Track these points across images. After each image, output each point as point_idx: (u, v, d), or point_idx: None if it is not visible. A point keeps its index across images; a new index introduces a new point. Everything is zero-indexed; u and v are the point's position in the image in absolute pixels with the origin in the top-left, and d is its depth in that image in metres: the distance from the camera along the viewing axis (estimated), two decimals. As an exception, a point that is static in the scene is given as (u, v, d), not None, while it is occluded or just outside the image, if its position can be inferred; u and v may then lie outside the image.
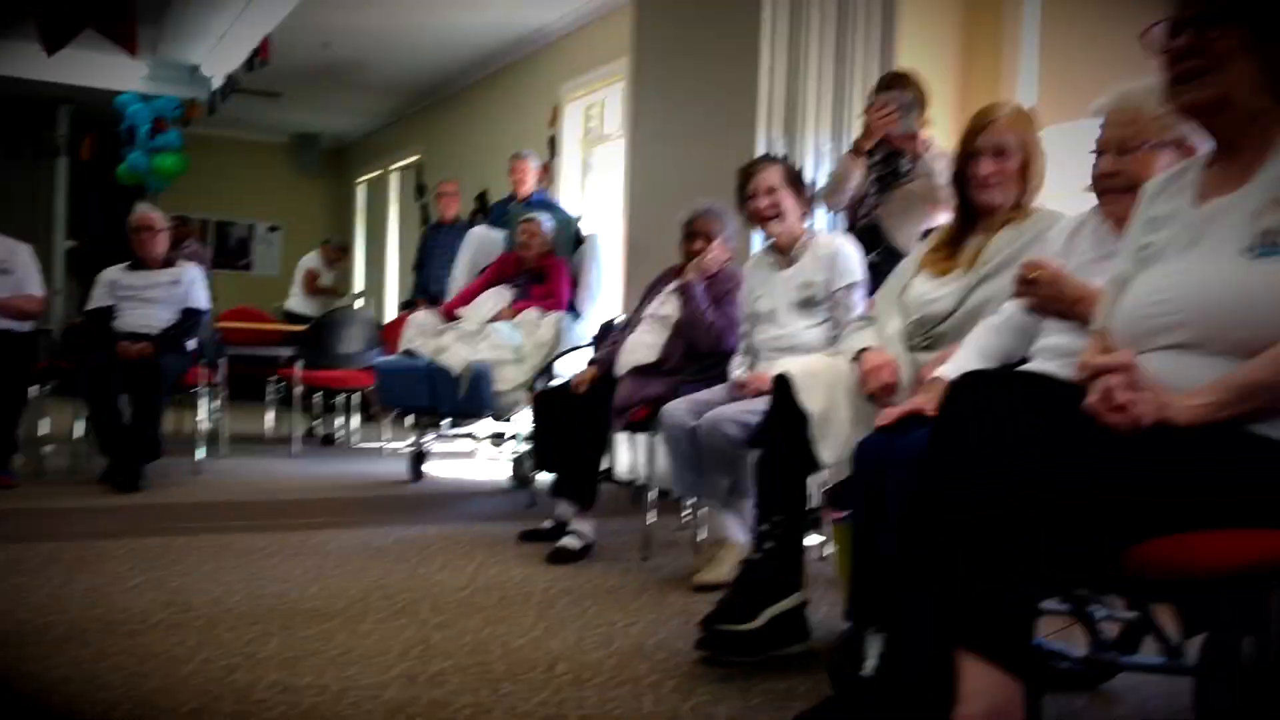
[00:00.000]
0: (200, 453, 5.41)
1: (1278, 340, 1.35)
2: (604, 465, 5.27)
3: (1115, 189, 1.92)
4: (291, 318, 8.75)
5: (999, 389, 1.41)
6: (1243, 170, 1.52)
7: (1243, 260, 1.43)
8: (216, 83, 9.42)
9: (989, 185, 2.49)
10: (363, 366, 6.33)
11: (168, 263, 5.30)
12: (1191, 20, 1.50)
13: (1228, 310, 1.42)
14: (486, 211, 7.94)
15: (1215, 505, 1.30)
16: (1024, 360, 2.05)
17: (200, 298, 5.31)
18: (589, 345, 4.84)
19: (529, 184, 6.44)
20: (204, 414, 5.47)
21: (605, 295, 5.50)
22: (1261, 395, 1.35)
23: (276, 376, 6.87)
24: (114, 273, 5.28)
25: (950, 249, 2.59)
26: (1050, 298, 1.94)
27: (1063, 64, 4.63)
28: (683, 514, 3.99)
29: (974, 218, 2.57)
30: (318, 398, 7.17)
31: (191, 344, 5.23)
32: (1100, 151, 1.99)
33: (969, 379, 1.47)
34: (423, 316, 5.18)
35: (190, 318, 5.19)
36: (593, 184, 7.78)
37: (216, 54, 9.29)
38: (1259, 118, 1.51)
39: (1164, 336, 1.48)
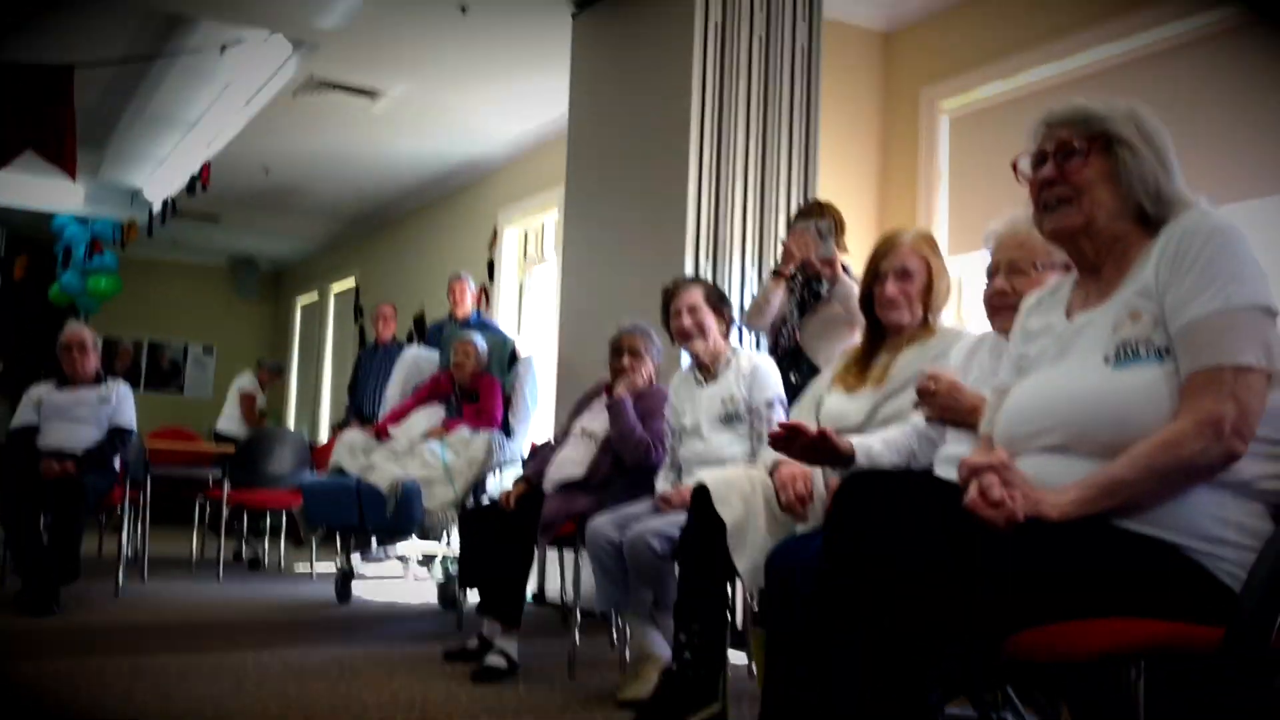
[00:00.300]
0: (120, 576, 5.29)
1: (1138, 440, 1.46)
2: (535, 587, 5.28)
3: (1007, 307, 2.05)
4: (221, 439, 8.65)
5: (886, 488, 1.49)
6: (1105, 287, 1.66)
7: (1105, 369, 1.55)
8: (156, 206, 9.49)
9: (894, 306, 2.62)
10: (292, 487, 6.27)
11: (97, 380, 5.27)
12: (1054, 153, 1.66)
13: (1092, 415, 1.53)
14: (423, 333, 8.03)
15: (1083, 595, 1.38)
16: (928, 467, 2.14)
17: (129, 416, 5.27)
18: (521, 463, 4.88)
19: (466, 305, 6.54)
20: (127, 536, 5.37)
21: (540, 414, 5.57)
22: (1122, 492, 1.45)
23: (203, 497, 6.77)
24: (41, 390, 5.23)
25: (860, 366, 2.71)
26: (947, 407, 2.04)
27: (971, 196, 4.89)
28: (613, 632, 3.98)
29: (882, 336, 2.70)
30: (246, 519, 7.06)
31: (117, 463, 5.16)
32: (993, 273, 2.13)
33: (858, 478, 1.55)
34: (353, 435, 5.19)
35: (117, 436, 5.14)
36: (530, 305, 7.92)
37: (157, 178, 9.39)
38: (1119, 240, 1.66)
39: (1038, 440, 1.58)
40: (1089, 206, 1.63)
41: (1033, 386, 1.65)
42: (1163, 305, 1.54)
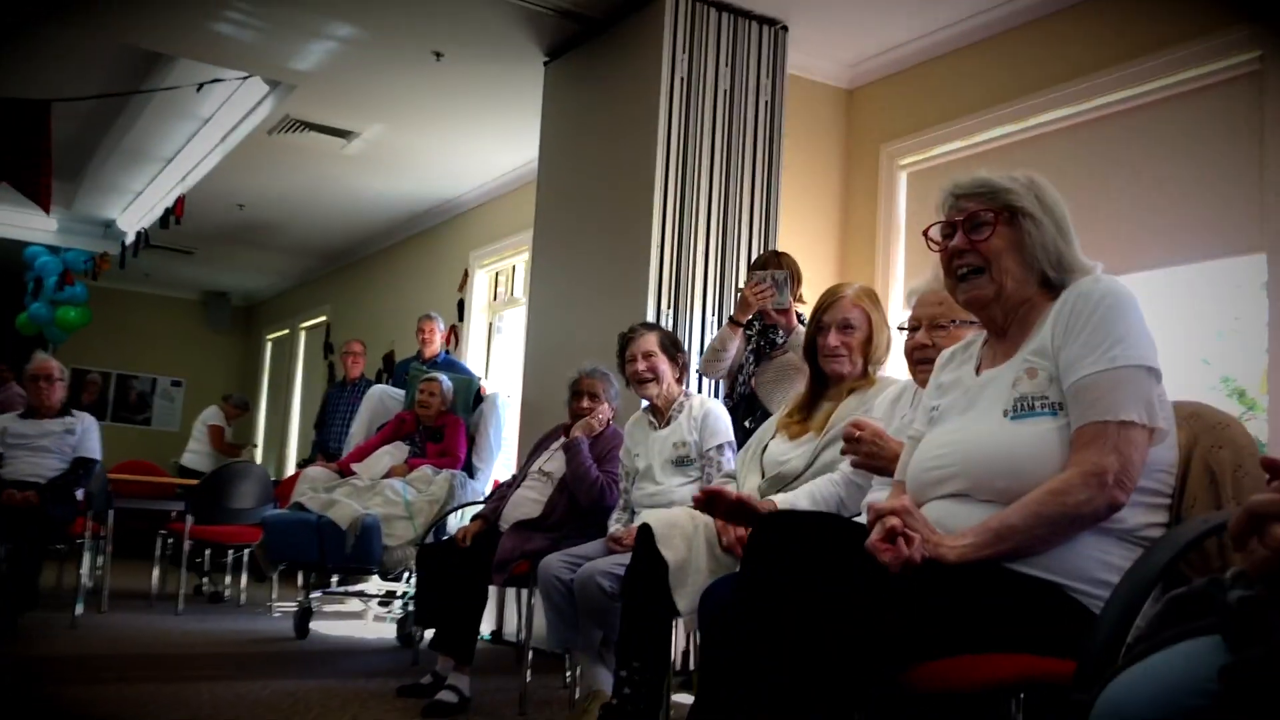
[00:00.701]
0: (79, 607, 5.29)
1: (1031, 488, 1.57)
2: (494, 625, 5.33)
3: (927, 360, 2.16)
4: (185, 473, 8.65)
5: (798, 529, 1.58)
6: (1010, 346, 1.77)
7: (1004, 422, 1.66)
8: (129, 238, 9.54)
9: (836, 356, 2.73)
10: (255, 522, 6.28)
11: (63, 412, 5.31)
12: (963, 223, 1.78)
13: (989, 464, 1.64)
14: (392, 371, 8.09)
15: (974, 632, 1.47)
16: (858, 513, 2.24)
17: (94, 448, 5.30)
18: (482, 502, 4.94)
19: (435, 344, 6.63)
20: (87, 567, 5.37)
21: (506, 453, 5.64)
22: (1013, 537, 1.55)
23: (166, 531, 6.76)
24: (6, 420, 5.26)
25: (803, 414, 2.81)
26: (871, 454, 2.14)
27: (928, 250, 5.01)
28: (566, 672, 4.03)
29: (824, 385, 2.81)
30: (208, 554, 7.05)
31: (79, 494, 5.19)
32: (914, 328, 2.25)
33: (774, 519, 1.65)
34: (315, 471, 5.24)
35: (81, 467, 5.17)
36: (501, 346, 8.00)
37: (131, 210, 9.45)
38: (1024, 303, 1.78)
39: (943, 487, 1.69)
40: (999, 275, 1.75)
41: (940, 436, 1.76)
42: (1057, 363, 1.65)
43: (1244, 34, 3.83)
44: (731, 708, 1.48)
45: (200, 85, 6.35)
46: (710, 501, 2.23)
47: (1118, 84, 4.26)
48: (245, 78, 6.37)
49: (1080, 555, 1.56)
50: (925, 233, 1.85)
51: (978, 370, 1.82)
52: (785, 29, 5.05)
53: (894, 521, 1.51)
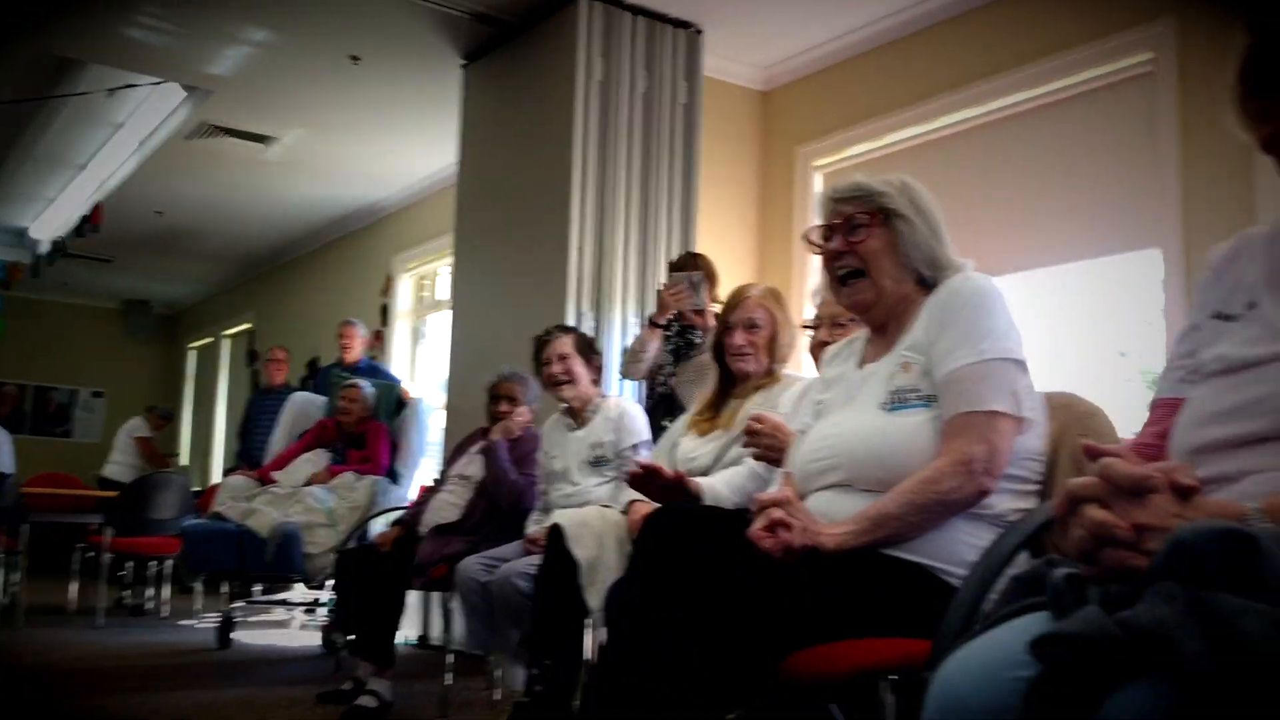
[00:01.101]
0: (-8, 623, 5.18)
1: (906, 477, 1.63)
2: (419, 629, 5.31)
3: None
4: (108, 485, 8.49)
5: (684, 521, 1.63)
6: (889, 341, 1.84)
7: (880, 414, 1.73)
8: (44, 247, 9.33)
9: (742, 355, 2.78)
10: (176, 533, 6.19)
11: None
12: (841, 227, 1.84)
13: (867, 455, 1.70)
14: (315, 378, 8.01)
15: (853, 618, 1.52)
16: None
17: (4, 460, 5.19)
18: (406, 508, 4.92)
19: (356, 350, 6.58)
20: (1, 583, 5.26)
21: (432, 458, 5.62)
22: (889, 524, 1.61)
23: (84, 544, 6.63)
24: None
25: (712, 411, 2.86)
26: (770, 448, 2.19)
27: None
28: (490, 673, 4.04)
29: (732, 384, 2.86)
30: (130, 566, 6.93)
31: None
32: (816, 326, 2.30)
33: (662, 513, 1.69)
34: (235, 480, 5.19)
35: (-10, 481, 5.07)
36: (426, 351, 7.97)
37: (45, 218, 9.23)
38: (901, 301, 1.84)
39: (825, 477, 1.75)
40: (878, 277, 1.82)
41: (823, 429, 1.82)
42: (930, 357, 1.72)
43: (1137, 37, 3.97)
44: (621, 697, 1.51)
45: (111, 90, 6.23)
46: (646, 478, 2.25)
47: (1020, 85, 4.37)
48: (159, 83, 6.27)
49: (953, 540, 1.63)
50: (806, 236, 1.91)
51: (860, 365, 1.88)
52: (700, 32, 5.11)
53: (776, 512, 1.56)
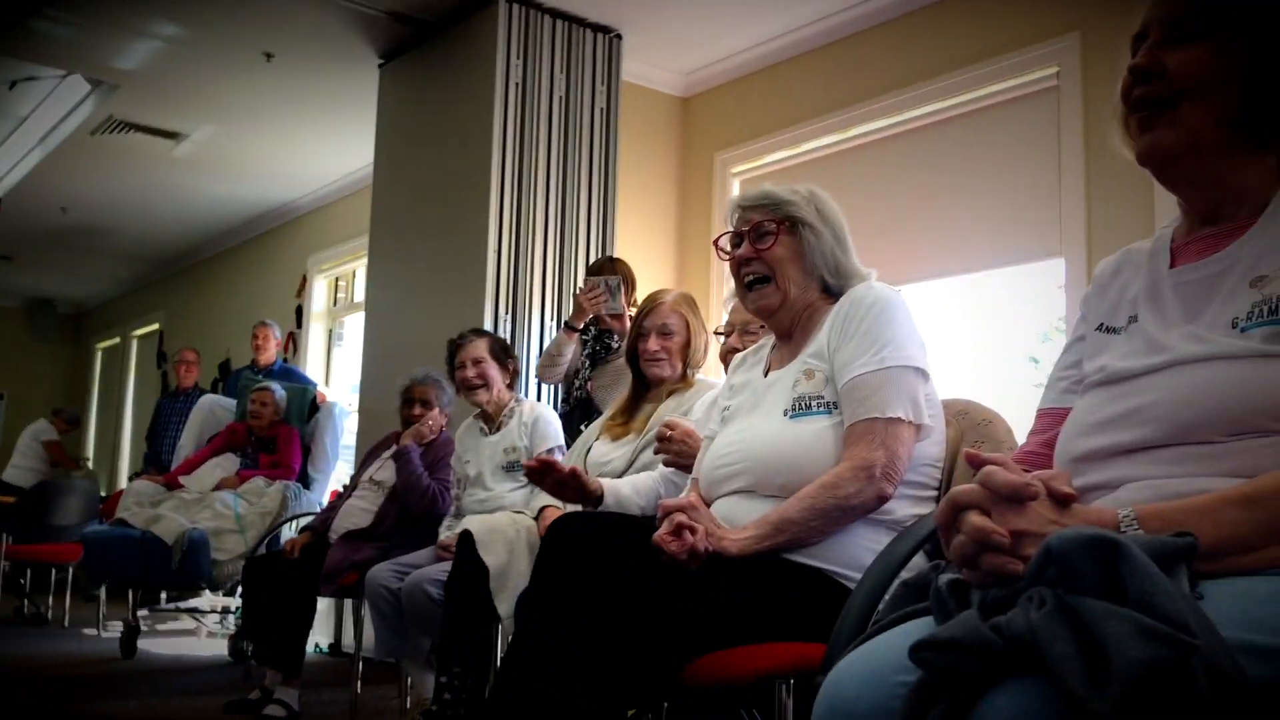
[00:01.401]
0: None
1: (808, 483, 1.65)
2: (331, 637, 5.23)
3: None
4: (9, 490, 8.20)
5: (589, 527, 1.63)
6: (794, 349, 1.86)
7: (784, 420, 1.75)
8: (-60, 243, 9.01)
9: (656, 360, 2.79)
10: (78, 539, 6.01)
11: None
12: (748, 234, 1.86)
13: (770, 460, 1.72)
14: (226, 380, 7.86)
15: (755, 622, 1.54)
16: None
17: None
18: (316, 513, 4.84)
19: (270, 352, 6.47)
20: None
21: (345, 461, 5.54)
22: (790, 529, 1.63)
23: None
24: None
25: (626, 416, 2.87)
26: (680, 454, 2.20)
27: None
28: (402, 681, 3.99)
29: (646, 388, 2.86)
30: (31, 574, 6.71)
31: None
32: (727, 333, 2.32)
33: (567, 519, 1.69)
34: (141, 485, 5.06)
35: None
36: (343, 353, 7.85)
37: (-58, 214, 8.90)
38: (806, 308, 1.87)
39: (730, 483, 1.76)
40: (783, 283, 1.84)
41: (728, 435, 1.83)
42: (832, 365, 1.74)
43: (1042, 52, 4.07)
44: (522, 701, 1.51)
45: (12, 83, 6.04)
46: (541, 472, 2.24)
47: (932, 96, 4.46)
48: (64, 76, 6.09)
49: (853, 544, 1.65)
50: (715, 243, 1.93)
51: (766, 372, 1.90)
52: (620, 37, 5.12)
53: (680, 517, 1.57)
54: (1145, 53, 1.16)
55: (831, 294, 1.86)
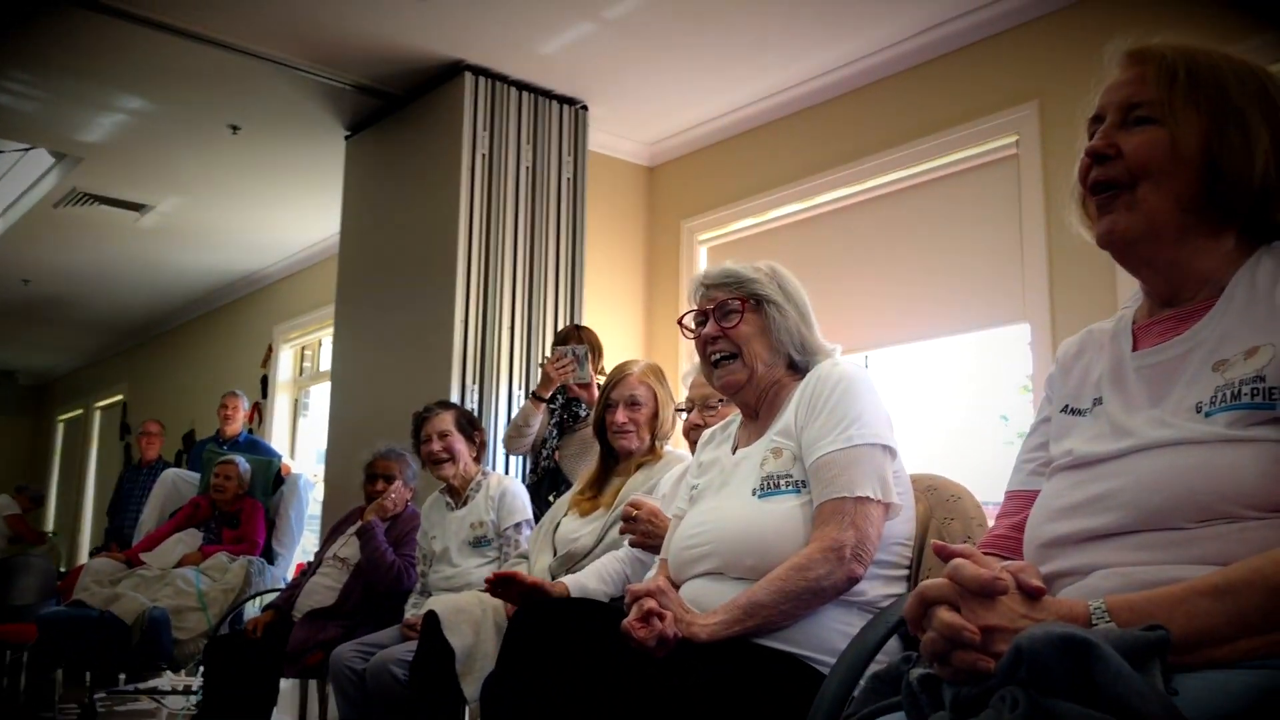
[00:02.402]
0: None
1: (777, 564, 1.62)
2: (296, 716, 5.09)
3: (699, 440, 2.22)
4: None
5: (555, 613, 1.59)
6: (761, 426, 1.85)
7: (752, 500, 1.72)
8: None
9: (624, 432, 2.77)
10: (34, 619, 5.85)
11: None
12: (714, 312, 1.86)
13: (739, 541, 1.69)
14: (190, 451, 7.75)
15: (725, 709, 1.50)
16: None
17: None
18: (281, 589, 4.75)
19: (238, 423, 6.40)
20: None
21: (313, 531, 5.45)
22: (760, 613, 1.59)
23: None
24: None
25: (594, 490, 2.83)
26: (647, 534, 2.17)
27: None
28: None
29: (614, 461, 2.84)
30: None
31: None
32: (688, 409, 2.31)
33: (531, 606, 1.65)
34: (100, 563, 4.94)
35: None
36: (309, 423, 7.77)
37: (-99, 286, 8.80)
38: (773, 385, 1.86)
39: (699, 565, 1.73)
40: (751, 360, 1.84)
41: (696, 515, 1.81)
42: (799, 443, 1.72)
43: (1002, 120, 4.14)
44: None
45: (-25, 157, 6.01)
46: (503, 585, 2.21)
47: (895, 165, 4.52)
48: (27, 149, 6.07)
49: (824, 628, 1.62)
50: (680, 321, 1.93)
51: (734, 450, 1.88)
52: (585, 109, 5.17)
53: (649, 603, 1.54)
54: (1102, 135, 1.17)
55: (797, 370, 1.86)
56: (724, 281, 1.86)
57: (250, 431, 6.81)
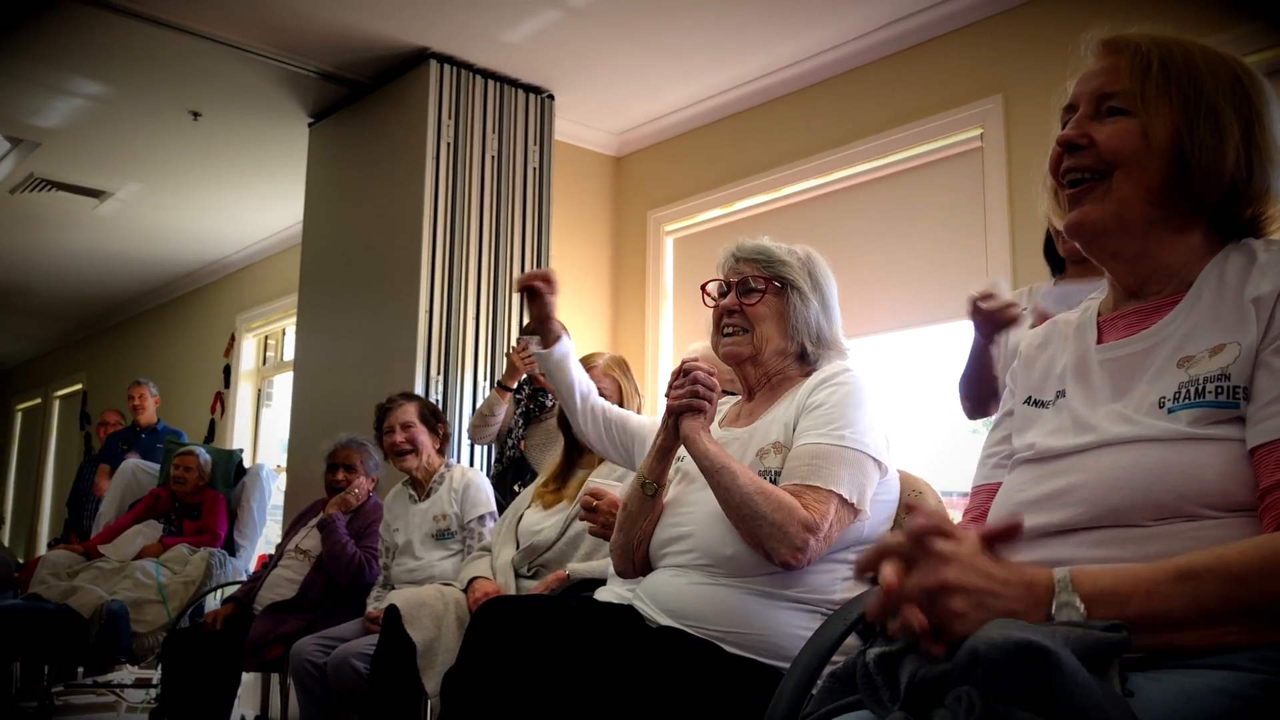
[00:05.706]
0: None
1: (752, 558, 1.62)
2: (256, 712, 5.05)
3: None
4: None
5: (516, 610, 1.57)
6: (756, 410, 1.86)
7: None
8: None
9: (587, 425, 2.75)
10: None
11: None
12: (736, 285, 1.85)
13: (723, 533, 1.67)
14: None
15: (681, 703, 1.49)
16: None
17: None
18: (242, 581, 4.70)
19: (149, 411, 6.40)
20: None
21: (275, 521, 5.39)
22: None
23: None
24: None
25: (558, 483, 2.82)
26: (607, 525, 2.16)
27: (693, 311, 5.17)
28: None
29: (578, 453, 2.82)
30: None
31: None
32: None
33: (491, 604, 1.63)
34: (57, 555, 4.86)
35: None
36: (273, 413, 7.69)
37: None
38: (778, 372, 1.85)
39: (676, 558, 1.72)
40: (759, 340, 1.83)
41: (683, 502, 1.80)
42: (793, 439, 1.72)
43: (967, 113, 4.15)
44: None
45: (-74, 140, 5.88)
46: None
47: (862, 157, 4.52)
48: (-18, 133, 5.95)
49: (782, 633, 1.61)
50: (704, 287, 1.92)
51: (719, 424, 1.88)
52: (551, 97, 5.13)
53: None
54: (1074, 125, 1.17)
55: (808, 362, 1.86)
56: (754, 257, 1.86)
57: (162, 422, 6.70)
